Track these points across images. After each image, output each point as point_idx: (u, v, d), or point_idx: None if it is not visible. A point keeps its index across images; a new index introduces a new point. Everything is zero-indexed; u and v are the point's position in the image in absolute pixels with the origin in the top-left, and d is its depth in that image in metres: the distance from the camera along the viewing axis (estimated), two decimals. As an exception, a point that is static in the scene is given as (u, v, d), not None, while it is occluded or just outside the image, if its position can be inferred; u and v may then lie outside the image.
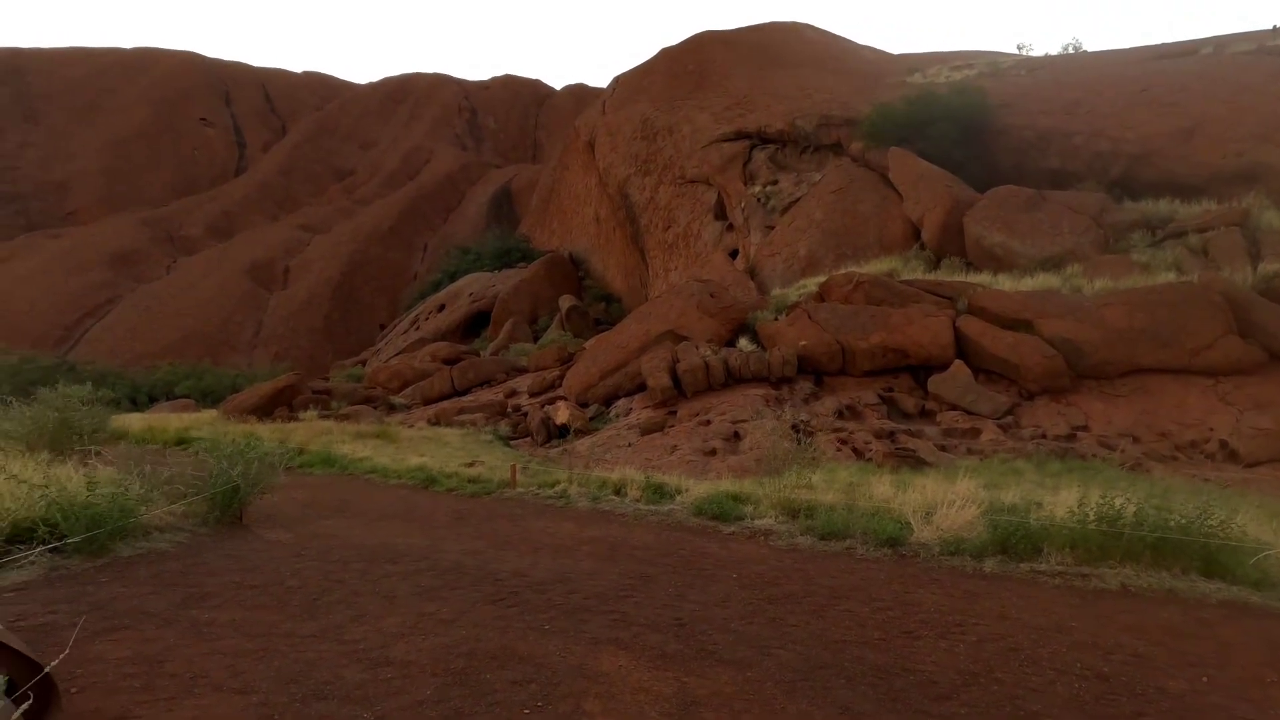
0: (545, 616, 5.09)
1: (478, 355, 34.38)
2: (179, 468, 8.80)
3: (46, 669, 2.89)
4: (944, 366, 16.54)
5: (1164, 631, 5.19)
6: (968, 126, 25.94)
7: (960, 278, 19.88)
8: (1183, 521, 6.69)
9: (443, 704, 3.55)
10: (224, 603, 5.23)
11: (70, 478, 6.99)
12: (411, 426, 21.51)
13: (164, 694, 3.57)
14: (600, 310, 39.48)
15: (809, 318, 17.95)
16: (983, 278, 19.50)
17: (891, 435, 14.42)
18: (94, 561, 6.14)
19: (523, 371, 27.38)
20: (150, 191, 74.93)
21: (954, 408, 15.70)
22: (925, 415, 15.96)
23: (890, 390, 16.67)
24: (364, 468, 13.52)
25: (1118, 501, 6.99)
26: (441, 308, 46.69)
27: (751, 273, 25.70)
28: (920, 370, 17.04)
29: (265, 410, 24.55)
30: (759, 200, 28.76)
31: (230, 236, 70.60)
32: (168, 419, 24.18)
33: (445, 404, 24.86)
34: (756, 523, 8.49)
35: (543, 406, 20.06)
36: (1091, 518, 6.94)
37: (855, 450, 13.63)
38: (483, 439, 18.79)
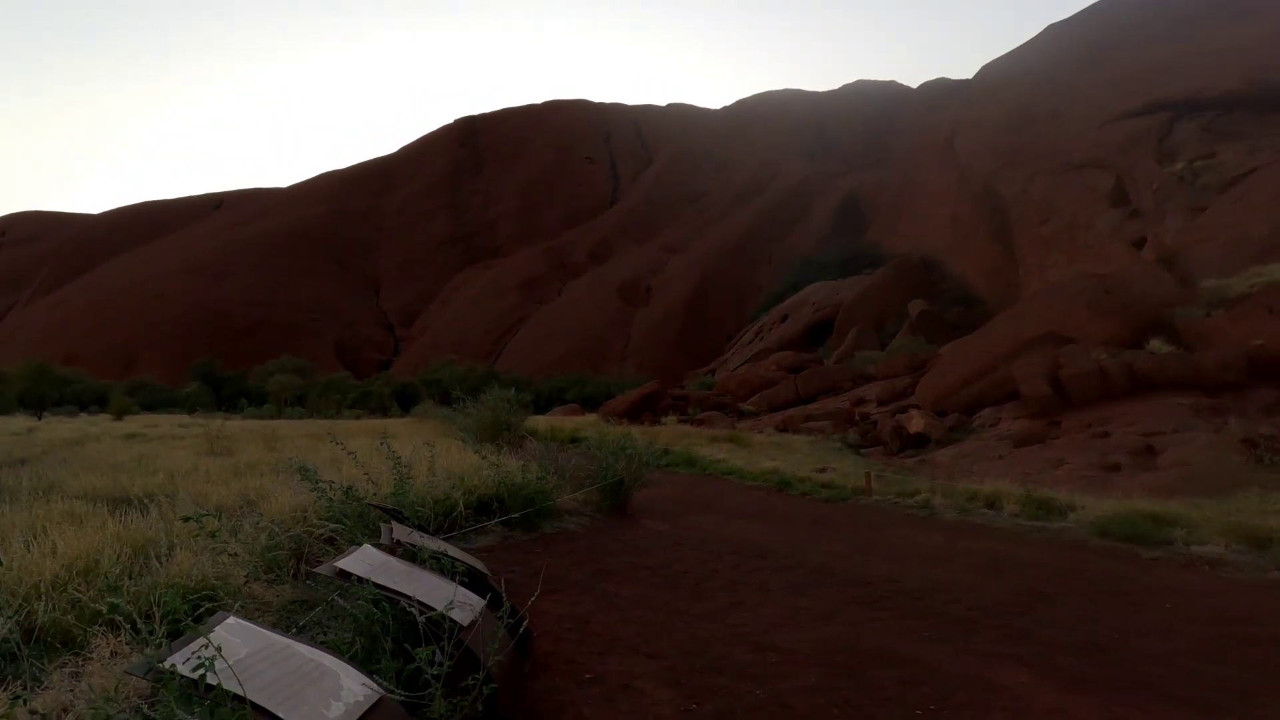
0: (925, 623, 4.89)
1: (821, 363, 34.32)
2: (576, 462, 10.34)
3: (524, 614, 3.73)
4: None
5: None
6: None
7: None
8: None
9: (832, 692, 3.64)
10: (624, 579, 6.09)
11: (508, 464, 8.80)
12: (760, 432, 22.36)
13: (594, 649, 4.32)
14: (957, 314, 36.45)
15: (1269, 312, 14.30)
16: None
17: None
18: (529, 535, 7.65)
19: (869, 379, 26.61)
20: (550, 224, 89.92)
21: None
22: None
23: None
24: (721, 469, 14.49)
25: None
26: (785, 318, 47.65)
27: (1167, 263, 21.36)
28: None
29: (634, 414, 27.73)
30: (1182, 179, 23.82)
31: (605, 261, 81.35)
32: (563, 420, 28.79)
33: (791, 411, 25.32)
34: (1195, 549, 7.12)
35: (893, 415, 19.25)
36: None
37: (1351, 477, 10.48)
38: (831, 446, 18.72)
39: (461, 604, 3.20)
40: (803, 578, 6.20)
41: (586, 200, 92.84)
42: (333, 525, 5.33)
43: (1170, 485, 9.75)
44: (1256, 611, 5.28)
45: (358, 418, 39.37)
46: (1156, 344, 15.14)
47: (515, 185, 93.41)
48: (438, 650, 2.76)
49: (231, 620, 2.20)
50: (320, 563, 4.78)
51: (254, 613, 3.92)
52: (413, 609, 2.89)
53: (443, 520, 6.92)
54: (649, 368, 60.98)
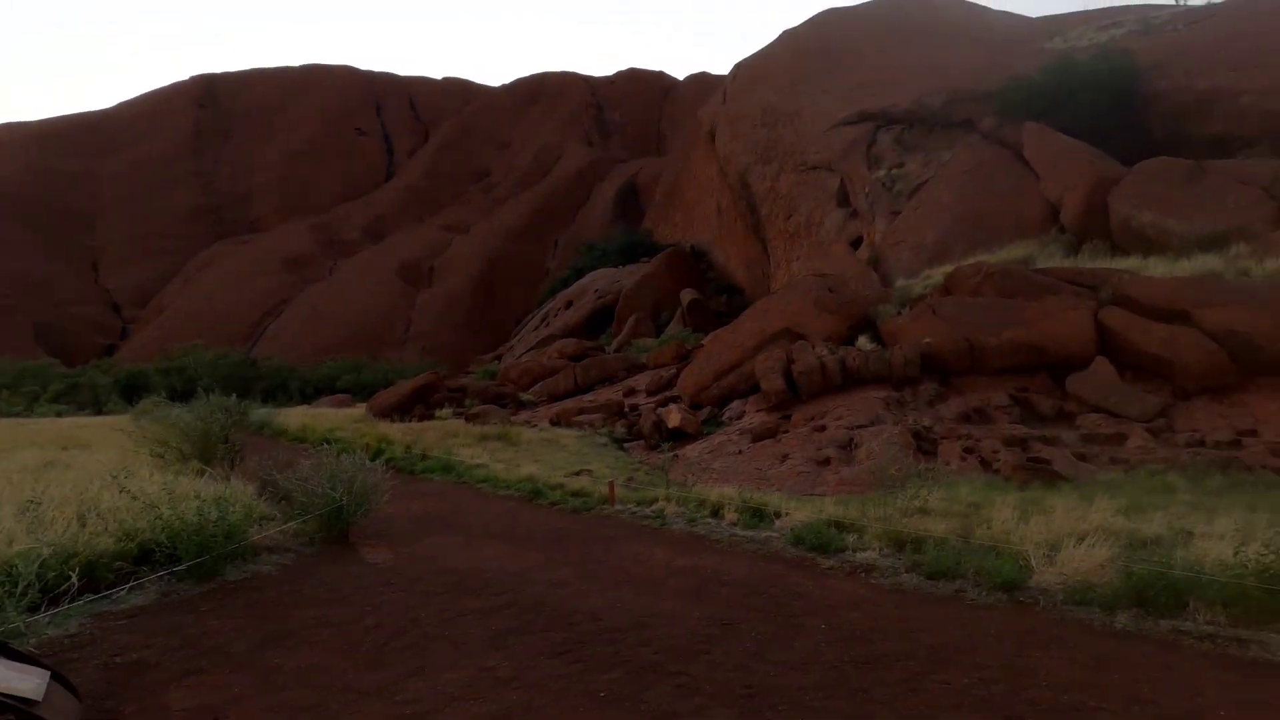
0: (607, 678, 4.73)
1: (603, 351, 34.82)
2: (305, 480, 9.08)
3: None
4: (1085, 364, 14.85)
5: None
6: (1114, 94, 23.50)
7: (1104, 263, 17.89)
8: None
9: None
10: (300, 643, 5.32)
11: (187, 497, 7.47)
12: (534, 426, 22.01)
13: (202, 767, 3.57)
14: (722, 304, 38.83)
15: (933, 313, 16.65)
16: (1130, 263, 17.51)
17: (1024, 443, 13.08)
18: (202, 586, 6.51)
19: (642, 369, 27.31)
20: (317, 198, 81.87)
21: (1096, 409, 14.10)
22: (1063, 418, 14.43)
23: (1024, 390, 15.15)
24: (478, 476, 13.86)
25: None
26: (569, 304, 47.78)
27: (874, 263, 24.26)
28: (1060, 368, 15.41)
29: (405, 408, 25.98)
30: (884, 185, 27.10)
31: (382, 239, 76.07)
32: (321, 416, 26.27)
33: (568, 403, 25.28)
34: (859, 555, 7.67)
35: (656, 408, 19.85)
36: (1251, 569, 5.64)
37: (982, 460, 12.44)
38: (598, 441, 18.85)
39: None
40: (510, 621, 5.85)
41: (359, 174, 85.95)
42: None
43: (860, 480, 10.85)
44: (878, 626, 5.71)
45: (59, 415, 33.11)
46: (863, 341, 17.05)
47: (274, 154, 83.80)
48: None
49: None
50: None
51: None
52: None
53: (42, 596, 5.40)
54: (435, 353, 58.21)
